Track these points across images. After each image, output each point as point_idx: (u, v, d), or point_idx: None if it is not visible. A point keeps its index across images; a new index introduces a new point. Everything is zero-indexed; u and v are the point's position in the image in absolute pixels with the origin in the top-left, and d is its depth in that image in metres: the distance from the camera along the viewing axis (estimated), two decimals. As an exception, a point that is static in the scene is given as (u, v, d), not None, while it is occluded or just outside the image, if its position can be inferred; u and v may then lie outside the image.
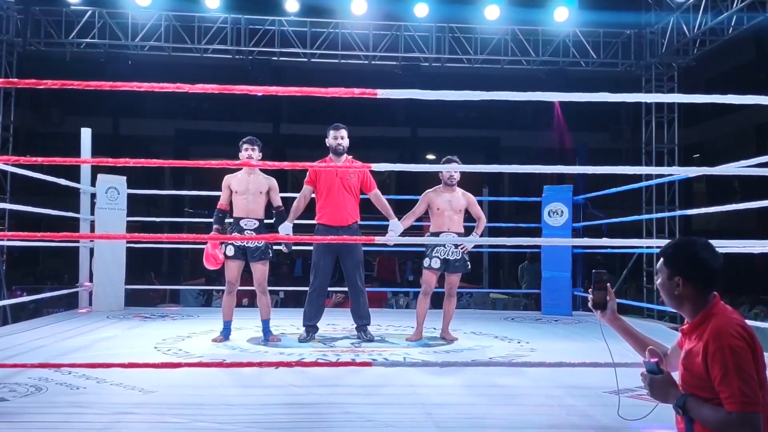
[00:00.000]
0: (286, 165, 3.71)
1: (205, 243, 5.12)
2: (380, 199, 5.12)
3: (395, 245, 7.07)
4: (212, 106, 18.94)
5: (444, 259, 5.05)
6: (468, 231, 5.34)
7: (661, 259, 2.00)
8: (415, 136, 18.92)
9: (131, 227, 6.91)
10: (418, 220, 5.27)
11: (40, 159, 3.10)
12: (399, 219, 5.02)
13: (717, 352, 1.77)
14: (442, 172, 5.03)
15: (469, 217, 5.25)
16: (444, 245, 5.03)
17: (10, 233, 3.93)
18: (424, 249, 5.31)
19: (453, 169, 4.44)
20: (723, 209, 5.13)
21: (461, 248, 5.05)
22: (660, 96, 10.18)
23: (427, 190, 5.19)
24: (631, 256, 9.82)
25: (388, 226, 5.00)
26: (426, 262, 5.12)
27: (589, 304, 2.21)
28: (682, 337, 1.98)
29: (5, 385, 3.31)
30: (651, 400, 1.98)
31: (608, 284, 2.19)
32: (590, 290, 2.20)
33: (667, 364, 2.03)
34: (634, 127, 14.66)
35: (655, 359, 1.93)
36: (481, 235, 5.43)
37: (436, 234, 5.10)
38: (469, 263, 5.16)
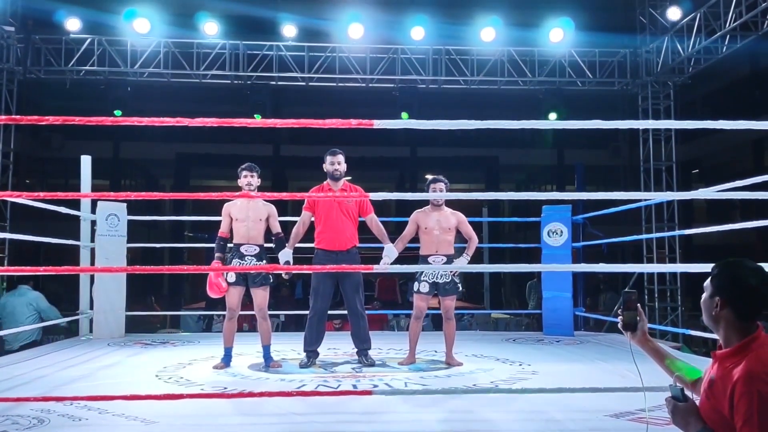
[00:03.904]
0: (285, 195, 3.75)
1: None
2: (376, 224, 5.15)
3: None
4: (212, 129, 19.01)
5: (433, 282, 5.04)
6: (460, 251, 5.33)
7: (709, 277, 1.94)
8: (415, 156, 19.01)
9: (131, 252, 6.91)
10: (414, 241, 5.27)
11: (42, 194, 3.15)
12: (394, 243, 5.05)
13: (745, 395, 1.72)
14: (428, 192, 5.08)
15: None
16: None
17: (12, 268, 3.93)
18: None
19: (437, 196, 4.45)
20: (721, 228, 5.14)
21: (452, 271, 5.04)
22: (654, 123, 10.21)
23: (416, 211, 5.20)
24: (632, 275, 9.82)
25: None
26: (415, 286, 5.12)
27: (619, 326, 2.17)
28: (713, 362, 1.92)
29: (7, 417, 3.30)
30: (656, 423, 1.97)
31: (638, 305, 2.15)
32: (620, 311, 2.16)
33: (696, 388, 2.01)
34: (632, 144, 14.75)
35: (681, 386, 1.92)
36: (478, 256, 5.42)
37: (425, 257, 5.08)
38: (460, 285, 5.14)
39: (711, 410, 1.83)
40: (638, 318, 2.14)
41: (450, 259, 5.09)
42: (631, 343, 2.17)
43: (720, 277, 1.89)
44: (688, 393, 1.90)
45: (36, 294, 6.66)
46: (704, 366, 2.01)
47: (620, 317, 2.17)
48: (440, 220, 5.09)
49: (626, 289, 2.18)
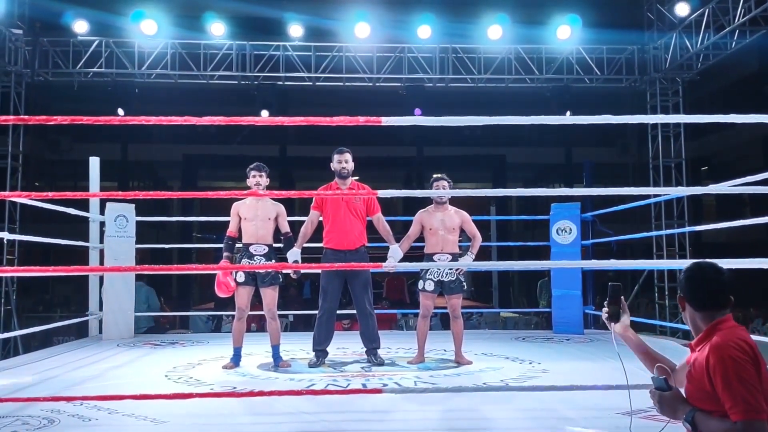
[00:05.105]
0: (293, 194, 3.75)
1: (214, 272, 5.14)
2: (382, 223, 5.14)
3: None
4: (219, 131, 19.08)
5: (438, 281, 5.02)
6: (466, 250, 5.30)
7: None
8: (422, 155, 18.96)
9: (140, 253, 6.93)
10: (419, 240, 5.25)
11: (51, 194, 3.14)
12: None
13: (718, 363, 1.81)
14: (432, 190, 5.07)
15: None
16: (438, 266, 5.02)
17: (22, 268, 3.94)
18: (419, 271, 5.29)
19: (444, 194, 4.43)
20: (731, 225, 5.10)
21: (456, 270, 5.03)
22: (664, 117, 10.19)
23: (420, 211, 5.19)
24: (642, 272, 9.77)
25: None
26: (420, 284, 5.10)
27: (603, 317, 2.27)
28: (690, 352, 2.03)
29: (18, 418, 3.31)
30: (662, 419, 2.00)
31: (622, 297, 2.26)
32: (605, 303, 2.27)
33: (675, 379, 2.06)
34: (640, 141, 14.67)
35: (664, 375, 1.95)
36: (487, 254, 5.42)
37: (431, 255, 5.07)
38: (465, 283, 5.13)
39: (695, 391, 1.90)
40: (621, 310, 2.25)
41: (455, 258, 5.08)
42: (615, 339, 2.28)
43: (682, 279, 2.03)
44: (671, 382, 1.94)
45: (148, 288, 7.92)
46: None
47: (605, 309, 2.27)
48: (444, 220, 5.07)
49: (611, 283, 2.25)
